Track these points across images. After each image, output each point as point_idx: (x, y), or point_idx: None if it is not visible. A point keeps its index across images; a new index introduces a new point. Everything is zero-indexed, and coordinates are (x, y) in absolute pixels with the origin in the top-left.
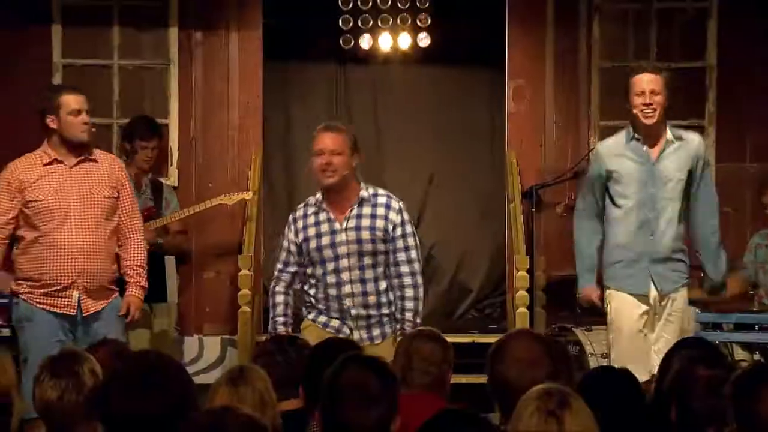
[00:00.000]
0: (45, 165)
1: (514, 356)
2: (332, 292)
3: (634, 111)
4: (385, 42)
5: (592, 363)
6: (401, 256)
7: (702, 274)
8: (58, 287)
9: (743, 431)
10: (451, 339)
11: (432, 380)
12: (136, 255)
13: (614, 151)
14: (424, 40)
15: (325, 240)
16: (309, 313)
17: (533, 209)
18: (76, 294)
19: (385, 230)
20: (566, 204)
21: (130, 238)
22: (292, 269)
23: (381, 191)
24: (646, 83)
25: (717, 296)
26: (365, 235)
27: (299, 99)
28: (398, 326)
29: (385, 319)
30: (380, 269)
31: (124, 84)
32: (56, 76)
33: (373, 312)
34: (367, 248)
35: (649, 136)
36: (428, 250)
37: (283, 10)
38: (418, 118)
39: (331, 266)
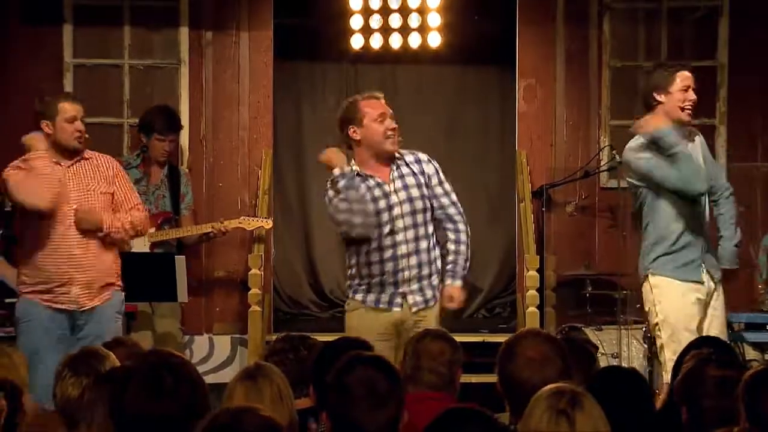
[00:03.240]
0: (44, 166)
1: (524, 356)
2: (388, 254)
3: (677, 105)
4: (395, 42)
5: (603, 362)
6: (445, 200)
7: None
8: (57, 283)
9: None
10: (460, 338)
11: (441, 380)
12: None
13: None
14: (434, 40)
15: (382, 204)
16: (356, 292)
17: (543, 209)
18: (74, 290)
19: (426, 184)
20: (576, 203)
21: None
22: None
23: (402, 150)
24: (691, 80)
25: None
26: (414, 192)
27: (309, 99)
28: (451, 267)
29: (435, 279)
30: (430, 227)
31: (134, 84)
32: (67, 76)
33: (425, 271)
34: (418, 206)
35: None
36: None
37: (294, 10)
38: (428, 118)
39: (387, 229)
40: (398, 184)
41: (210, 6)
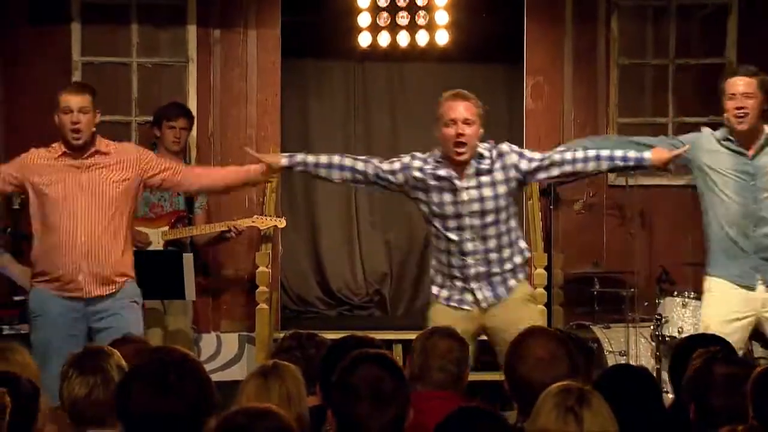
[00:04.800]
0: (56, 158)
1: (533, 355)
2: (454, 248)
3: (726, 115)
4: (403, 40)
5: (610, 360)
6: (546, 161)
7: None
8: (67, 273)
9: (764, 428)
10: None
11: (449, 378)
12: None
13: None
14: (442, 37)
15: (447, 197)
16: (439, 290)
17: (551, 206)
18: (80, 277)
19: (508, 180)
20: (584, 201)
21: (186, 171)
22: (375, 171)
23: (483, 145)
24: (741, 86)
25: None
26: (487, 192)
27: (317, 96)
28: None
29: (508, 274)
30: (502, 227)
31: (142, 82)
32: (75, 74)
33: (495, 269)
34: (489, 205)
35: (743, 138)
36: None
37: (302, 8)
38: (435, 115)
39: (452, 224)
40: (472, 182)
41: (218, 4)
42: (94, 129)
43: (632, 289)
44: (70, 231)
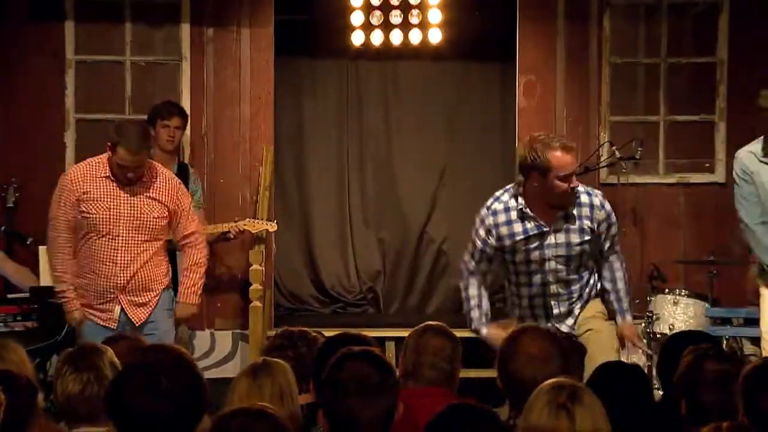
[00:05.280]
0: (101, 177)
1: (525, 352)
2: (536, 291)
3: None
4: (396, 38)
5: None
6: (609, 245)
7: None
8: (102, 300)
9: (753, 425)
10: (460, 334)
11: (441, 375)
12: (193, 256)
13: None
14: (435, 36)
15: (534, 243)
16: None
17: None
18: (117, 309)
19: (592, 230)
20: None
21: (188, 242)
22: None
23: (581, 188)
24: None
25: None
26: (574, 238)
27: (311, 95)
28: (619, 308)
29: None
30: (584, 270)
31: (136, 80)
32: (69, 73)
33: (576, 306)
34: (575, 251)
35: None
36: (438, 244)
37: (295, 7)
38: (428, 114)
39: (535, 267)
40: (560, 225)
41: (211, 3)
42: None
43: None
44: (110, 259)
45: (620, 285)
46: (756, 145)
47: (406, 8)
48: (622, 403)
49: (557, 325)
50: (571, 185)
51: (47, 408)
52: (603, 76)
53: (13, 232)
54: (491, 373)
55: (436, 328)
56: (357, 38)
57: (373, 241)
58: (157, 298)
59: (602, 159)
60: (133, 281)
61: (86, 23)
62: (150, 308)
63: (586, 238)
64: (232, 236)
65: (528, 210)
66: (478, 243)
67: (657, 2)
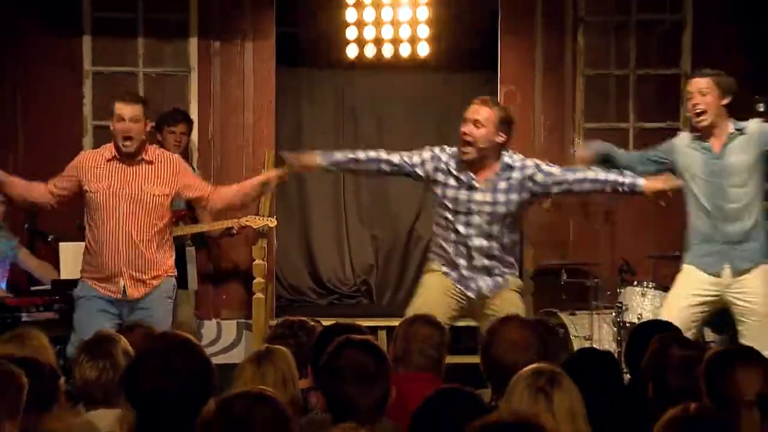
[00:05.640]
0: (107, 161)
1: (507, 340)
2: (460, 240)
3: (689, 115)
4: (387, 51)
5: (576, 344)
6: (558, 178)
7: None
8: (108, 274)
9: (714, 406)
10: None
11: (429, 361)
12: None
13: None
14: (423, 49)
15: (463, 194)
16: (435, 262)
17: None
18: (122, 282)
19: (528, 189)
20: (552, 200)
21: (214, 190)
22: (401, 162)
23: (512, 156)
24: (696, 85)
25: None
26: (500, 197)
27: (309, 103)
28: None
29: (506, 269)
30: (507, 231)
31: (148, 89)
32: (86, 83)
33: (496, 264)
34: (500, 210)
35: (710, 136)
36: (426, 241)
37: (294, 22)
38: (417, 120)
39: (462, 219)
40: (489, 185)
41: (217, 18)
42: (143, 137)
43: (596, 280)
44: (113, 235)
45: (609, 173)
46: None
47: (396, 24)
48: (594, 386)
49: (474, 276)
50: (464, 130)
51: (67, 391)
52: (577, 86)
53: (36, 231)
54: (475, 359)
55: (424, 318)
56: (351, 51)
57: (367, 238)
58: (158, 281)
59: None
60: (135, 257)
61: (102, 37)
62: (148, 288)
63: (513, 198)
64: (235, 231)
65: (464, 164)
66: (417, 154)
67: (626, 19)
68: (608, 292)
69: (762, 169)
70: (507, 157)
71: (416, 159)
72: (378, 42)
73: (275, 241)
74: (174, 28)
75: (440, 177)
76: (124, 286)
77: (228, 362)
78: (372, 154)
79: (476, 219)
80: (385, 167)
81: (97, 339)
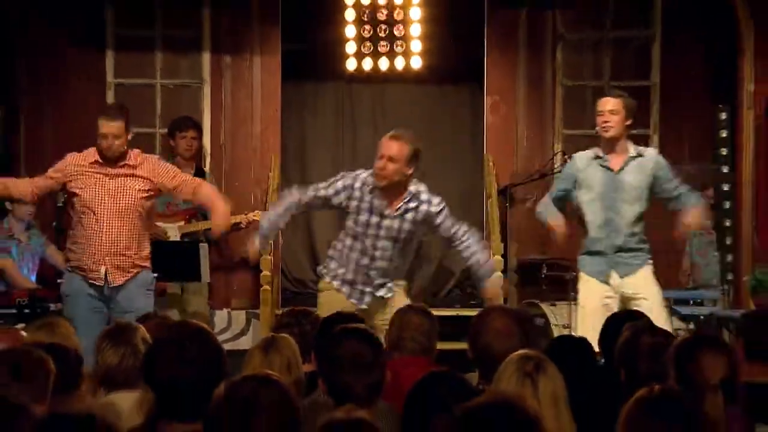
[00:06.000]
0: (90, 163)
1: (492, 327)
2: (364, 262)
3: (597, 128)
4: (383, 64)
5: (556, 332)
6: (446, 233)
7: None
8: (90, 263)
9: (680, 389)
10: (437, 312)
11: (421, 347)
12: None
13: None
14: (416, 63)
15: (374, 220)
16: (328, 276)
17: (507, 204)
18: (103, 269)
19: (427, 222)
20: (534, 200)
21: (197, 192)
22: (316, 199)
23: (421, 188)
24: (607, 104)
25: None
26: (406, 225)
27: (312, 113)
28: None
29: (390, 284)
30: (404, 254)
31: (165, 100)
32: (109, 94)
33: (388, 281)
34: (402, 236)
35: (611, 154)
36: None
37: (299, 38)
38: (411, 128)
39: (370, 241)
40: (398, 213)
41: (228, 35)
42: (124, 148)
43: (574, 273)
44: (95, 229)
45: (481, 256)
46: (595, 150)
47: (392, 39)
48: (572, 370)
49: (366, 291)
50: (379, 166)
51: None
52: (557, 97)
53: (62, 229)
54: (463, 345)
55: (416, 308)
56: (351, 64)
57: None
58: (136, 271)
59: (556, 166)
60: (115, 247)
61: (124, 52)
62: (127, 276)
63: (417, 227)
64: (243, 226)
65: (377, 192)
66: (332, 186)
67: (601, 36)
68: None
69: (647, 192)
70: (413, 186)
71: (330, 191)
72: (375, 56)
73: (281, 238)
74: (189, 44)
75: (353, 205)
76: (105, 274)
77: (237, 348)
78: (290, 201)
79: (382, 243)
80: (309, 207)
81: (118, 328)
